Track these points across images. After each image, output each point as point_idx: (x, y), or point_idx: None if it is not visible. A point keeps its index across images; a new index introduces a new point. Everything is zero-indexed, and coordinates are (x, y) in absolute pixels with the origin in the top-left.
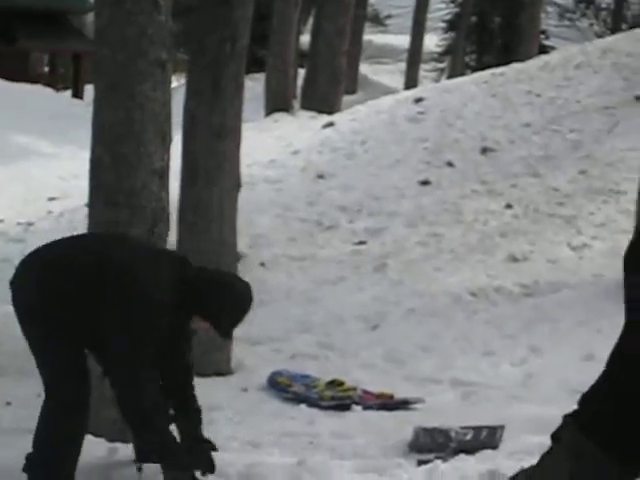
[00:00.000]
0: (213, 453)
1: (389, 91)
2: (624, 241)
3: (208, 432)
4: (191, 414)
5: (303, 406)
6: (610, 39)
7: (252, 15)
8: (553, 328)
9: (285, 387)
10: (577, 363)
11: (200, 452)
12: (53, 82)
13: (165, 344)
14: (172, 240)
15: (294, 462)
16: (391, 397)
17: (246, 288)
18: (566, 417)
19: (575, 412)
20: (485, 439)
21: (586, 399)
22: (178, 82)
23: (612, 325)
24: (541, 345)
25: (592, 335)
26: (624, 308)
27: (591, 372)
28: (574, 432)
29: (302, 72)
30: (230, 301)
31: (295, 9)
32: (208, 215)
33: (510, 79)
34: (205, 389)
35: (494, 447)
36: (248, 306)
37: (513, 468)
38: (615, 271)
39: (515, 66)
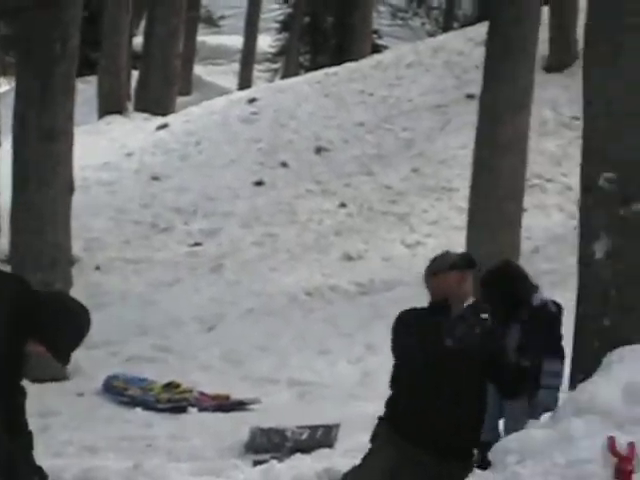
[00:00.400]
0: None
1: (223, 92)
2: (457, 238)
3: (44, 438)
4: (22, 440)
5: (139, 409)
6: (441, 38)
7: (82, 16)
8: (389, 325)
9: (121, 391)
10: None
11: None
12: None
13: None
14: (4, 245)
15: (130, 466)
16: (227, 398)
17: (83, 311)
18: (379, 416)
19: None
20: (321, 438)
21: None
22: (10, 85)
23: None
24: (377, 343)
25: None
26: None
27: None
28: (386, 429)
29: (136, 74)
30: (67, 325)
31: (126, 11)
32: (41, 218)
33: (343, 79)
34: (41, 395)
35: (330, 446)
36: (86, 330)
37: (349, 466)
38: None
39: (348, 66)
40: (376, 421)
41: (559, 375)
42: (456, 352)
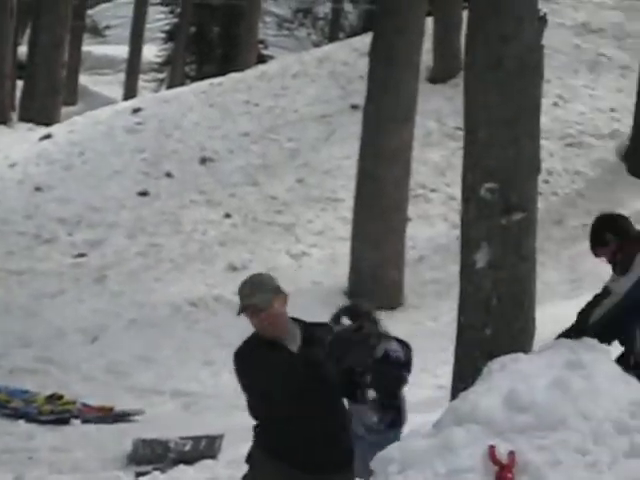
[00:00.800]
0: None
1: (109, 102)
2: (342, 248)
3: None
4: None
5: (22, 421)
6: (327, 48)
7: None
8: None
9: (3, 403)
10: None
11: None
12: None
13: None
14: None
15: (11, 479)
16: (111, 409)
17: None
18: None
19: None
20: (204, 449)
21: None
22: None
23: None
24: None
25: None
26: None
27: None
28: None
29: (21, 84)
30: None
31: (11, 19)
32: None
33: (228, 89)
34: None
35: (213, 456)
36: None
37: (232, 477)
38: (333, 278)
39: (233, 76)
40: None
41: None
42: (312, 378)
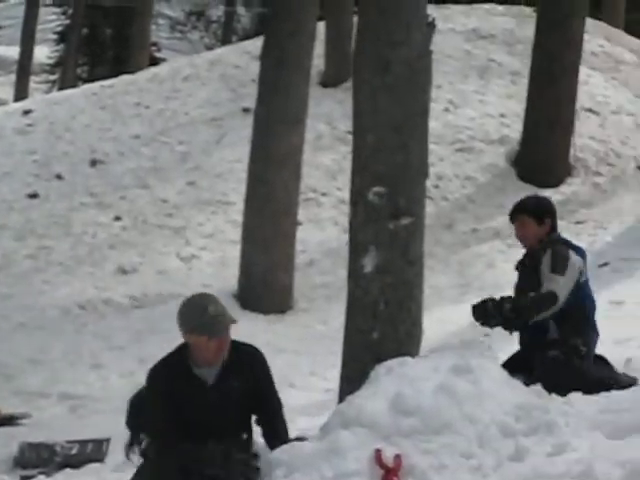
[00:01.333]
0: None
1: (0, 103)
2: (232, 251)
3: None
4: None
5: None
6: (218, 51)
7: None
8: (161, 339)
9: None
10: None
11: None
12: None
13: None
14: None
15: None
16: None
17: None
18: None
19: None
20: (91, 452)
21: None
22: None
23: (246, 333)
24: (149, 356)
25: None
26: None
27: None
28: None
29: None
30: None
31: None
32: None
33: (119, 91)
34: None
35: (100, 460)
36: None
37: None
38: (223, 281)
39: (124, 78)
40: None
41: None
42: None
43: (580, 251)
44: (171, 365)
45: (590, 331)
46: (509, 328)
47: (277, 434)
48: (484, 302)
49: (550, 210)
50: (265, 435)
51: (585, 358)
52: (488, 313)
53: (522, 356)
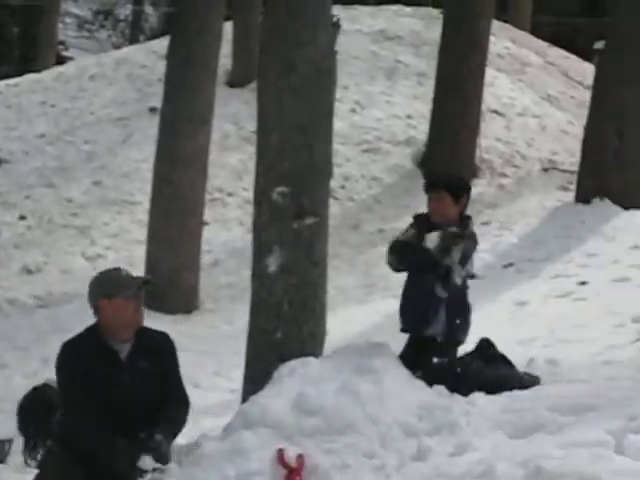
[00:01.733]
0: None
1: None
2: (138, 251)
3: None
4: None
5: None
6: (125, 50)
7: None
8: (66, 338)
9: None
10: None
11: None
12: None
13: None
14: None
15: None
16: None
17: None
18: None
19: None
20: None
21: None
22: None
23: None
24: (54, 356)
25: None
26: None
27: None
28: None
29: None
30: None
31: None
32: None
33: (25, 90)
34: None
35: (1, 461)
36: None
37: None
38: None
39: (30, 77)
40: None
41: None
42: (133, 382)
43: None
44: (82, 344)
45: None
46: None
47: (166, 415)
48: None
49: (468, 190)
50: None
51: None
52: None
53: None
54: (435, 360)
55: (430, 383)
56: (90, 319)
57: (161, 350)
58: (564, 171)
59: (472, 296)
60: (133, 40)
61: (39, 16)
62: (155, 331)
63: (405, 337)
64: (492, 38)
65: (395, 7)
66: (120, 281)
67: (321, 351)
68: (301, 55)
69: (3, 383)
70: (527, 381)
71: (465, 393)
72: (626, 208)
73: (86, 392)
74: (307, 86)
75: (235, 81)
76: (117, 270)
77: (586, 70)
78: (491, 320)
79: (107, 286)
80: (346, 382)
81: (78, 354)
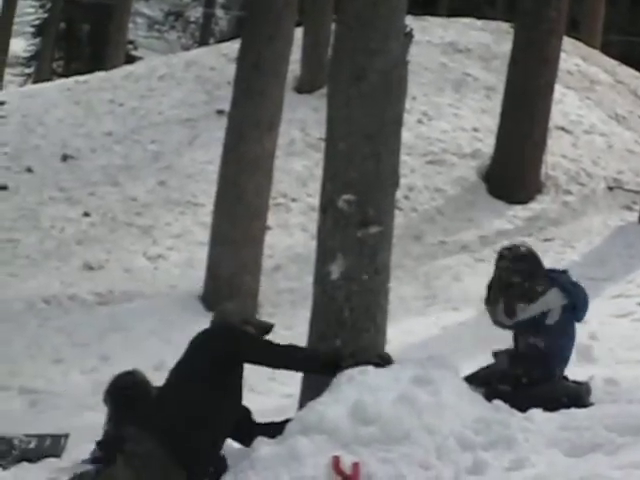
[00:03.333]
0: None
1: None
2: (200, 253)
3: None
4: None
5: None
6: (194, 52)
7: None
8: (125, 337)
9: None
10: (148, 372)
11: None
12: None
13: None
14: None
15: None
16: None
17: None
18: None
19: None
20: (48, 447)
21: None
22: None
23: (183, 335)
24: (112, 353)
25: (163, 345)
26: None
27: (162, 380)
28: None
29: None
30: None
31: None
32: None
33: (94, 87)
34: None
35: (57, 455)
36: None
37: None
38: (189, 282)
39: (99, 74)
40: None
41: None
42: None
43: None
44: None
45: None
46: None
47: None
48: None
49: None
50: None
51: (526, 387)
52: None
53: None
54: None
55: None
56: (150, 318)
57: None
58: (629, 191)
59: None
60: (203, 42)
61: (110, 15)
62: None
63: (465, 352)
64: (562, 55)
65: (466, 20)
66: None
67: None
68: (372, 63)
69: (60, 378)
70: (579, 390)
71: (522, 409)
72: None
73: None
74: (377, 94)
75: (303, 87)
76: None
77: None
78: None
79: None
80: (404, 392)
81: None
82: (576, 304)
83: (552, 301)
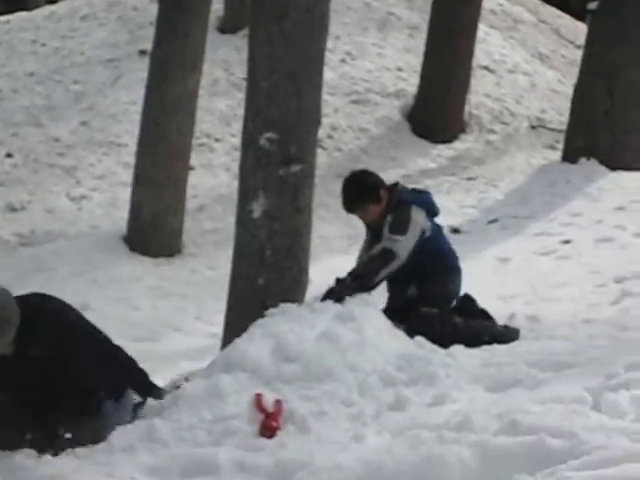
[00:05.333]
0: None
1: None
2: (123, 193)
3: None
4: None
5: None
6: None
7: None
8: (48, 278)
9: None
10: None
11: None
12: None
13: None
14: None
15: None
16: None
17: None
18: None
19: None
20: None
21: None
22: None
23: (107, 276)
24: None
25: (88, 285)
26: None
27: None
28: None
29: None
30: None
31: None
32: None
33: (15, 27)
34: None
35: None
36: None
37: None
38: (111, 222)
39: (21, 14)
40: None
41: None
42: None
43: (423, 201)
44: None
45: (447, 276)
46: (363, 291)
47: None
48: (330, 290)
49: (376, 184)
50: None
51: (444, 302)
52: (335, 292)
53: (391, 310)
54: (424, 310)
55: (414, 329)
56: (73, 259)
57: (50, 333)
58: (552, 130)
59: (456, 250)
60: None
61: None
62: (34, 316)
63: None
64: None
65: None
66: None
67: (303, 299)
68: (293, 1)
69: None
70: (506, 334)
71: (445, 345)
72: (613, 169)
73: None
74: (299, 32)
75: (226, 27)
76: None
77: (578, 29)
78: (473, 276)
79: None
80: (326, 329)
81: None
82: (429, 210)
83: (420, 220)
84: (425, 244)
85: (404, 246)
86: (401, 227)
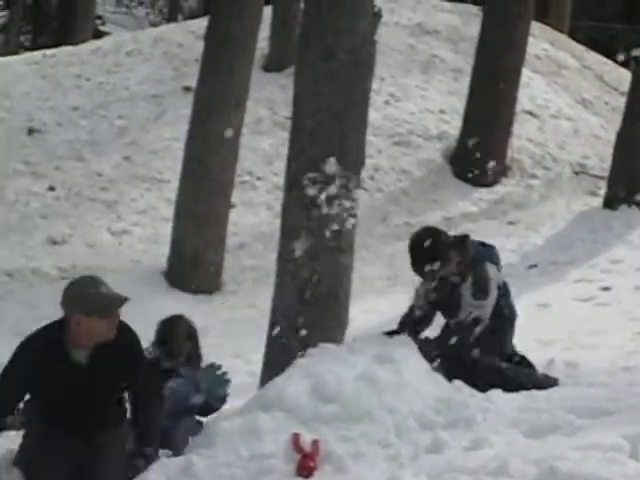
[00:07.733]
0: None
1: None
2: (164, 228)
3: None
4: None
5: None
6: (163, 29)
7: None
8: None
9: None
10: None
11: None
12: None
13: None
14: None
15: None
16: None
17: None
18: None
19: None
20: (12, 422)
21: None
22: None
23: (146, 311)
24: None
25: (127, 320)
26: None
27: None
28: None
29: None
30: None
31: None
32: None
33: (61, 61)
34: None
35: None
36: None
37: None
38: (152, 258)
39: (67, 49)
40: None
41: None
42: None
43: (493, 255)
44: (47, 341)
45: (511, 327)
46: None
47: (143, 413)
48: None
49: (445, 245)
50: (132, 412)
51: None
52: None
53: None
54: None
55: (449, 372)
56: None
57: (125, 350)
58: (594, 176)
59: None
60: (171, 19)
61: None
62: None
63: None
64: (530, 39)
65: (434, 1)
66: (101, 301)
67: (342, 339)
68: (340, 42)
69: None
70: (545, 382)
71: (483, 390)
72: None
73: (20, 386)
74: (345, 73)
75: (271, 65)
76: (96, 285)
77: (622, 76)
78: None
79: (87, 304)
80: (365, 370)
81: (38, 350)
82: (498, 264)
83: (496, 278)
84: (500, 299)
85: (489, 309)
86: (483, 290)
